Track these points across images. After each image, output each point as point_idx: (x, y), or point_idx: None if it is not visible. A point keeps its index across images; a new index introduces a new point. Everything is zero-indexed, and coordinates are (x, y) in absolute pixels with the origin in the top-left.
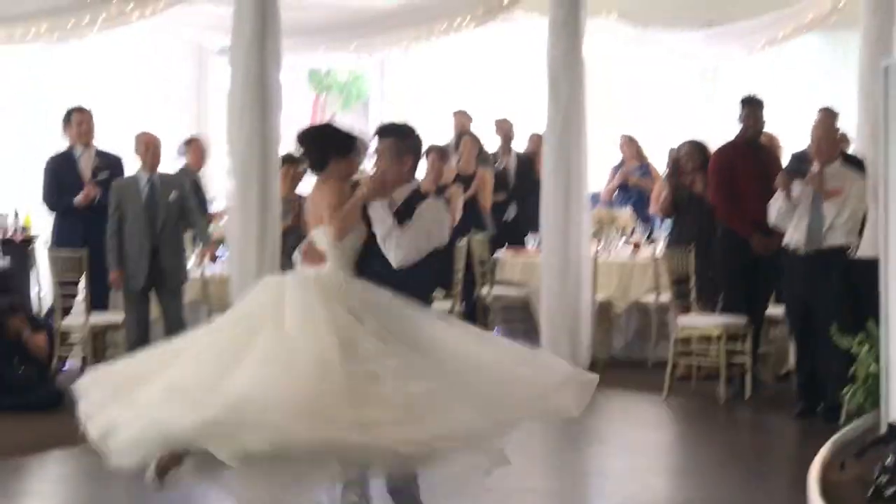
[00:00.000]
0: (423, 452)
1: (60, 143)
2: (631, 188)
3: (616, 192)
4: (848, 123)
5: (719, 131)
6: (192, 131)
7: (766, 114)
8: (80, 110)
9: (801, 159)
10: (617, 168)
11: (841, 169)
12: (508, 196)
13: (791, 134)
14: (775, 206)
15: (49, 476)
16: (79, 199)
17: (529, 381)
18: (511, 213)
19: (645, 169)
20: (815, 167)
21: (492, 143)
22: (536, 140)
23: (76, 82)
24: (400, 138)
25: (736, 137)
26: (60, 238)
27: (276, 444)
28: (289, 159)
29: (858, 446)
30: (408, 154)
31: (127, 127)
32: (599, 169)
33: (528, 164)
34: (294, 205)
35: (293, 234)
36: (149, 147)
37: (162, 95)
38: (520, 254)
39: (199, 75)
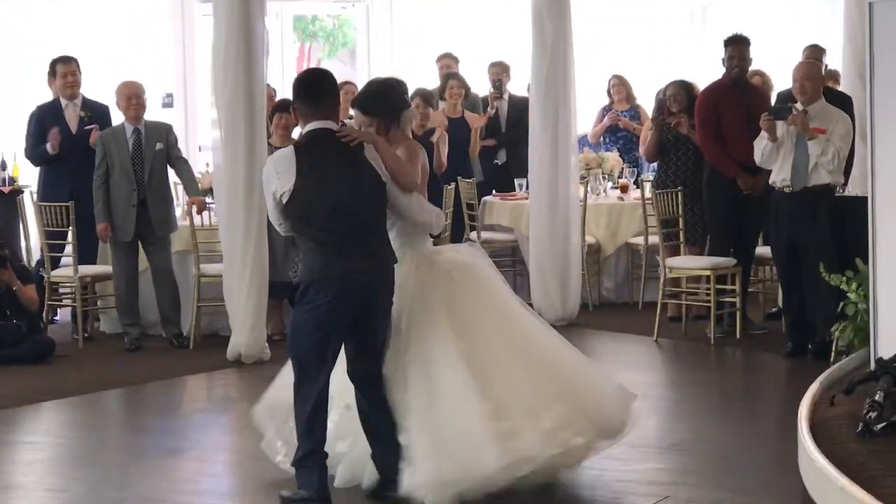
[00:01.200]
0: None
1: (47, 94)
2: (620, 131)
3: (604, 135)
4: (835, 61)
5: (708, 72)
6: (178, 81)
7: (756, 53)
8: (64, 61)
9: (786, 98)
10: (606, 109)
11: (825, 107)
12: (499, 141)
13: (780, 73)
14: (760, 146)
15: (41, 427)
16: (49, 146)
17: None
18: (502, 157)
19: (634, 111)
20: (798, 107)
21: (484, 88)
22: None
23: (62, 36)
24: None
25: (722, 77)
26: (47, 190)
27: None
28: (282, 107)
29: (848, 383)
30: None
31: (112, 77)
32: (587, 111)
33: (522, 109)
34: None
35: None
36: (131, 98)
37: (146, 46)
38: (508, 198)
39: (183, 28)
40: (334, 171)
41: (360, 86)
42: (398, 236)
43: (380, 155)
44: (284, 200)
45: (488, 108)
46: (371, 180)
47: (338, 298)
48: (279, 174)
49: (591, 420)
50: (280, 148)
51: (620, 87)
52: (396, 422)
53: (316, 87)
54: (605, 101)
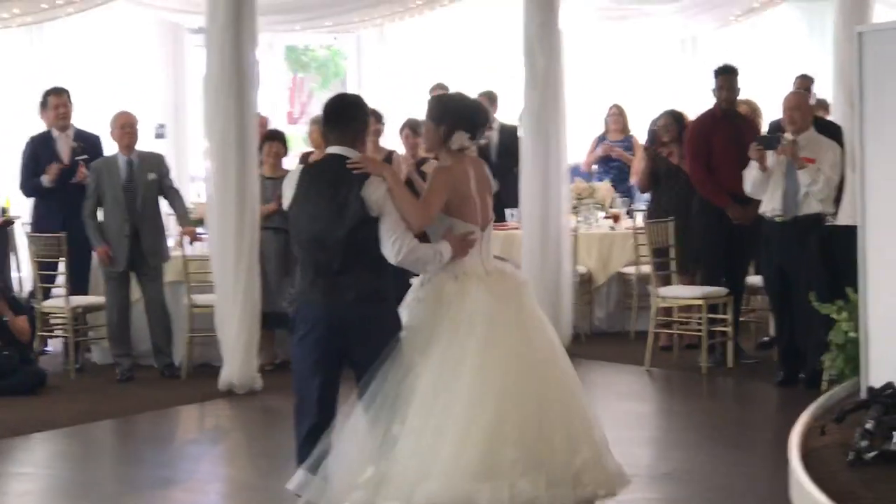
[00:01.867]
0: None
1: (39, 125)
2: (613, 161)
3: (597, 165)
4: (824, 91)
5: (699, 101)
6: (169, 113)
7: (745, 83)
8: (56, 93)
9: (778, 128)
10: (600, 139)
11: (814, 137)
12: (491, 171)
13: (769, 103)
14: (750, 176)
15: (32, 458)
16: (45, 178)
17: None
18: (494, 186)
19: (628, 142)
20: (787, 136)
21: None
22: None
23: (52, 63)
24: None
25: (712, 108)
26: (39, 221)
27: None
28: (271, 136)
29: (839, 412)
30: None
31: (103, 108)
32: (578, 141)
33: (512, 137)
34: (272, 183)
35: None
36: (125, 127)
37: (138, 77)
38: (499, 227)
39: (175, 56)
40: (322, 199)
41: None
42: None
43: (391, 189)
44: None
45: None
46: (357, 215)
47: (315, 328)
48: (285, 189)
49: (602, 472)
50: (270, 178)
51: (619, 118)
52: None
53: (340, 112)
54: (599, 130)
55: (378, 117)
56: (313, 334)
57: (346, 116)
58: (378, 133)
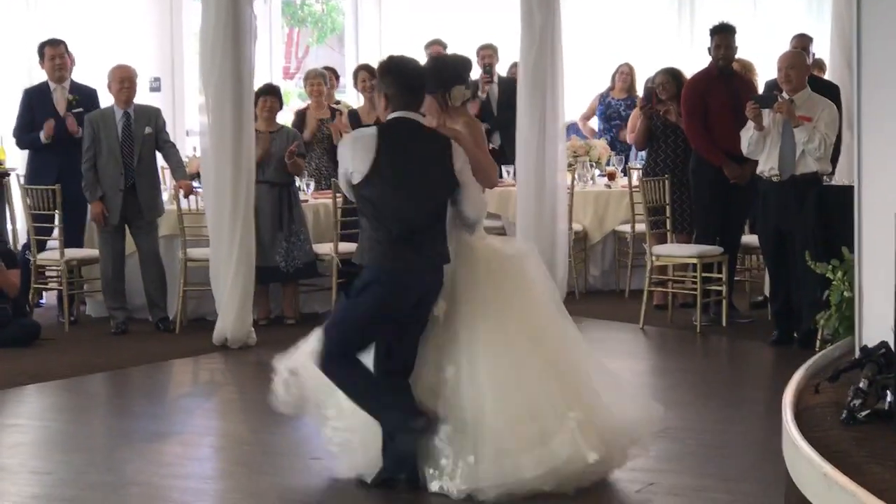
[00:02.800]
0: None
1: (35, 79)
2: (615, 119)
3: (599, 123)
4: (822, 50)
5: (696, 60)
6: (165, 66)
7: (743, 42)
8: (52, 44)
9: (773, 87)
10: (603, 96)
11: (810, 96)
12: (492, 125)
13: (767, 62)
14: (746, 136)
15: (26, 410)
16: (43, 133)
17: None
18: (496, 140)
19: (631, 101)
20: (784, 95)
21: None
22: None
23: (48, 17)
24: (380, 76)
25: (708, 66)
26: (34, 173)
27: None
28: (265, 91)
29: (832, 371)
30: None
31: (99, 61)
32: (574, 99)
33: (513, 90)
34: (264, 137)
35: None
36: (124, 82)
37: (134, 30)
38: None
39: (171, 9)
40: (414, 167)
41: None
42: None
43: (466, 152)
44: (354, 181)
45: (479, 93)
46: (448, 180)
47: (394, 293)
48: (354, 155)
49: (602, 439)
50: (265, 132)
51: (627, 77)
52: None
53: (416, 80)
54: (596, 87)
55: (374, 73)
56: (391, 298)
57: (421, 84)
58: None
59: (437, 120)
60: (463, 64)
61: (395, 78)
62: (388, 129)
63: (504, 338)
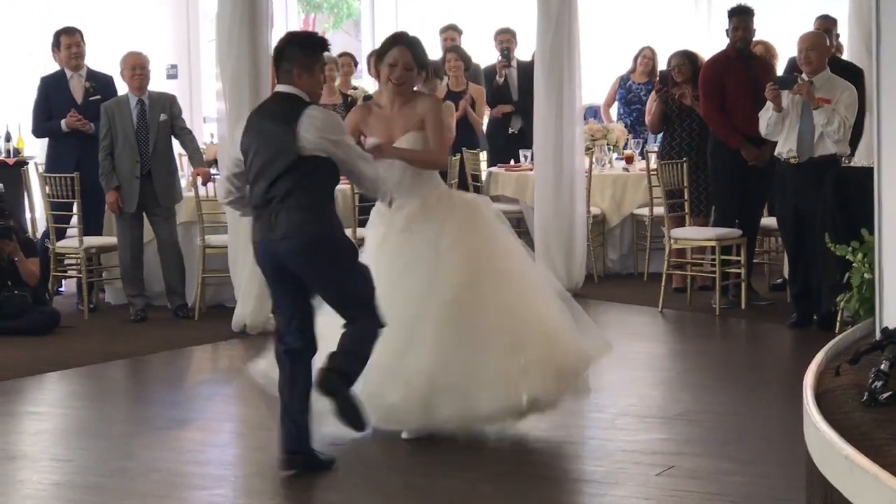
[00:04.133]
0: None
1: (50, 66)
2: (634, 103)
3: (619, 107)
4: (841, 33)
5: (713, 42)
6: (182, 53)
7: (762, 24)
8: (68, 32)
9: (795, 67)
10: (623, 79)
11: (830, 78)
12: (513, 108)
13: (786, 44)
14: (765, 117)
15: (46, 397)
16: (65, 122)
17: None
18: (516, 125)
19: (651, 86)
20: (803, 77)
21: (490, 57)
22: None
23: (65, 6)
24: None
25: (726, 48)
26: (53, 161)
27: None
28: None
29: (853, 353)
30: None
31: (115, 48)
32: (592, 82)
33: (532, 75)
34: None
35: None
36: (136, 69)
37: (150, 17)
38: (513, 169)
39: (188, 3)
40: (263, 135)
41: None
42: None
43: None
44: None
45: (496, 77)
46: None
47: (258, 262)
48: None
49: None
50: None
51: (649, 62)
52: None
53: (279, 52)
54: (615, 70)
55: (436, 71)
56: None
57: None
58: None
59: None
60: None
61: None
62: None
63: (469, 278)
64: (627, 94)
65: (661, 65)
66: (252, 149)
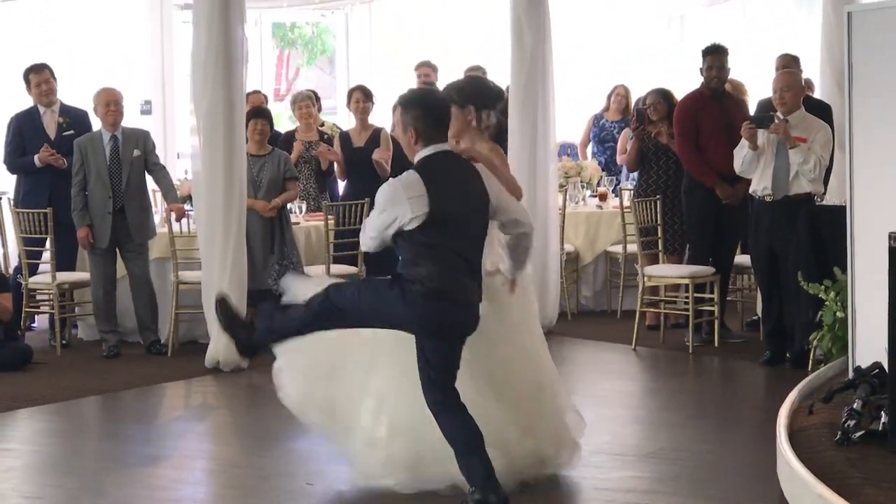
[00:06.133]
0: None
1: (22, 101)
2: (608, 141)
3: (592, 146)
4: (811, 69)
5: (686, 80)
6: (156, 89)
7: (733, 62)
8: (36, 70)
9: (767, 106)
10: (597, 117)
11: (805, 117)
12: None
13: (757, 81)
14: (740, 155)
15: (17, 434)
16: (38, 157)
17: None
18: None
19: (625, 123)
20: (779, 116)
21: None
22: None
23: (39, 41)
24: (404, 109)
25: (700, 87)
26: (25, 197)
27: None
28: (256, 114)
29: (826, 391)
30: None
31: (90, 83)
32: (566, 120)
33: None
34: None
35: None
36: (109, 105)
37: (125, 52)
38: None
39: (162, 31)
40: (467, 198)
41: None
42: None
43: (492, 171)
44: (409, 227)
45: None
46: (487, 207)
47: (460, 331)
48: (404, 202)
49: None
50: (256, 156)
51: (622, 99)
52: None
53: (444, 111)
54: (588, 108)
55: (368, 95)
56: (455, 337)
57: (448, 117)
58: (367, 111)
59: (460, 136)
60: (500, 93)
61: (424, 111)
62: (428, 168)
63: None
64: (601, 132)
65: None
66: None
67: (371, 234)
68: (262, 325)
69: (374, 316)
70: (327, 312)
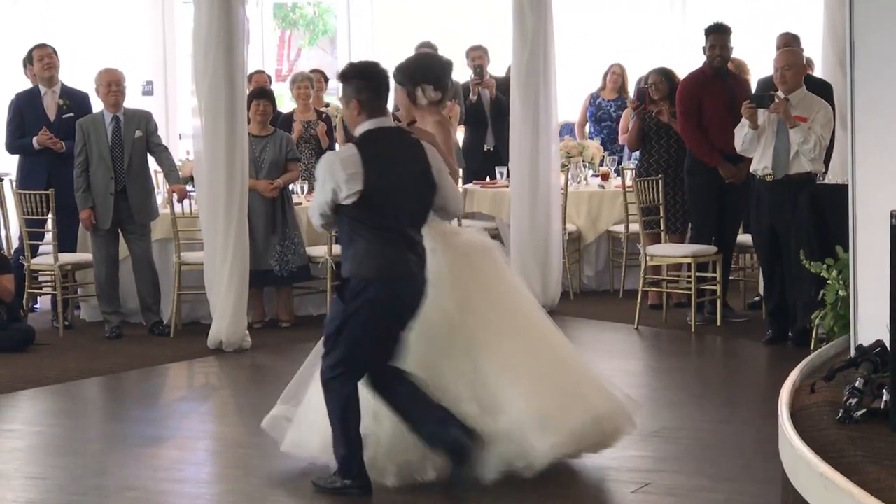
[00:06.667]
0: None
1: (22, 85)
2: (604, 120)
3: (589, 125)
4: (813, 48)
5: (688, 60)
6: (158, 69)
7: (736, 41)
8: (41, 47)
9: (768, 86)
10: (594, 96)
11: (806, 96)
12: (486, 126)
13: (759, 60)
14: (740, 134)
15: (21, 415)
16: (37, 140)
17: None
18: (490, 142)
19: (621, 101)
20: (779, 95)
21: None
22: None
23: (40, 24)
24: (346, 81)
25: (702, 66)
26: (25, 178)
27: None
28: (258, 94)
29: (828, 370)
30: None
31: (91, 65)
32: (568, 100)
33: (505, 90)
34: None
35: None
36: (111, 86)
37: (126, 33)
38: (488, 185)
39: (163, 12)
40: (407, 172)
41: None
42: None
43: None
44: (346, 202)
45: (469, 95)
46: (431, 184)
47: (409, 303)
48: (339, 177)
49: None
50: (258, 136)
51: (618, 78)
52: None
53: (384, 82)
54: (588, 88)
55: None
56: (406, 310)
57: (387, 86)
58: None
59: (406, 115)
60: (439, 65)
61: (367, 82)
62: (368, 144)
63: (493, 333)
64: (597, 111)
65: (631, 81)
66: None
67: (317, 212)
68: (339, 451)
69: (366, 333)
70: (348, 374)
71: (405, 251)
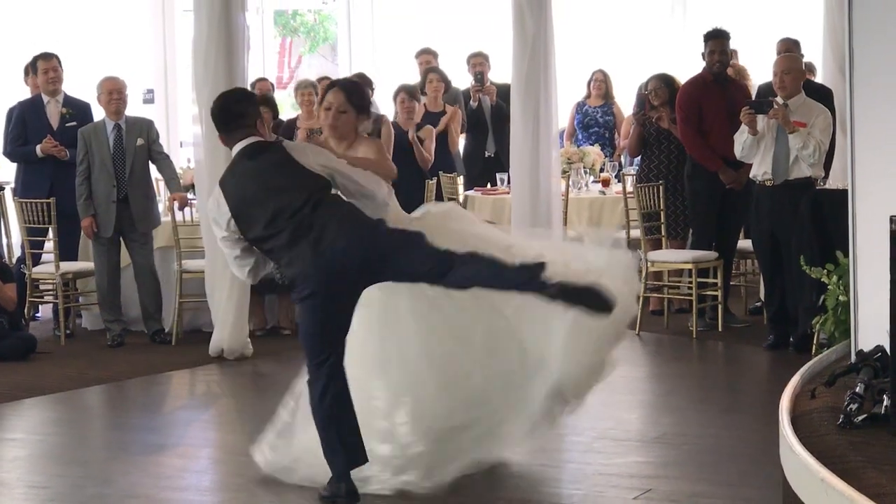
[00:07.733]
0: None
1: (23, 92)
2: (592, 127)
3: (578, 132)
4: (813, 53)
5: (689, 65)
6: (158, 77)
7: (735, 46)
8: (45, 57)
9: (767, 91)
10: (580, 105)
11: (805, 101)
12: (487, 132)
13: (759, 65)
14: (740, 140)
15: (23, 424)
16: (41, 147)
17: None
18: (491, 148)
19: (607, 108)
20: (778, 100)
21: (465, 81)
22: None
23: (41, 32)
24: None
25: (702, 71)
26: (26, 187)
27: None
28: (259, 102)
29: (829, 375)
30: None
31: (91, 73)
32: (569, 106)
33: (505, 96)
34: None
35: None
36: (112, 94)
37: (126, 41)
38: (489, 192)
39: (163, 20)
40: (256, 188)
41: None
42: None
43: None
44: (235, 228)
45: (470, 101)
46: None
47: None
48: (217, 213)
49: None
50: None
51: (602, 84)
52: None
53: (223, 112)
54: (582, 95)
55: (368, 82)
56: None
57: (232, 115)
58: (412, 112)
59: (350, 142)
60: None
61: (212, 118)
62: (227, 171)
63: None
64: (584, 118)
65: (616, 87)
66: None
67: (231, 265)
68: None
69: (327, 315)
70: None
71: (299, 241)
